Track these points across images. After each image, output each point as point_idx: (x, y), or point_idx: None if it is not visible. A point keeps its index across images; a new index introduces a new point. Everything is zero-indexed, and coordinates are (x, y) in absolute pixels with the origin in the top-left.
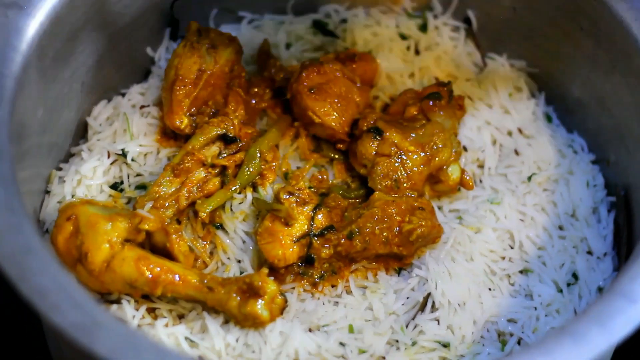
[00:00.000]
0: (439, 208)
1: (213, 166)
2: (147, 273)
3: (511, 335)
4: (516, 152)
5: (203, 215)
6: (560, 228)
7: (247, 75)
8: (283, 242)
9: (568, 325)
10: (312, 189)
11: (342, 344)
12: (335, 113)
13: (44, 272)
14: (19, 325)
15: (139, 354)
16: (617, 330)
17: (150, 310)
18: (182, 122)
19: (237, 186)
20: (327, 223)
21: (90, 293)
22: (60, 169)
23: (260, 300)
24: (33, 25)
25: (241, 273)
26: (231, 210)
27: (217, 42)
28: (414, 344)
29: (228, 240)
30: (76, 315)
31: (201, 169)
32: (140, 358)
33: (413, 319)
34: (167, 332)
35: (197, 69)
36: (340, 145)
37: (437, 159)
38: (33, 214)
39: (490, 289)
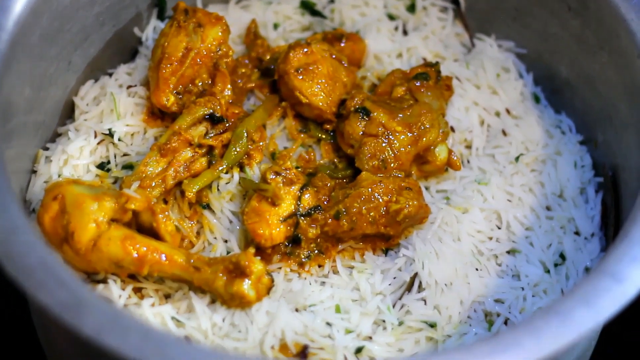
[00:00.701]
0: (426, 188)
1: (200, 146)
2: (134, 252)
3: (498, 315)
4: (504, 133)
5: (190, 195)
6: (548, 209)
7: (235, 55)
8: (270, 222)
9: (555, 304)
10: (299, 169)
11: (328, 324)
12: (322, 93)
13: (30, 251)
14: (5, 308)
15: (125, 333)
16: (604, 310)
17: (137, 290)
18: (169, 99)
19: (224, 166)
20: (314, 203)
21: (76, 273)
22: (46, 149)
23: (246, 280)
24: (20, 2)
25: (228, 253)
26: (218, 190)
27: (204, 21)
28: (400, 323)
29: (215, 220)
30: (62, 294)
31: (188, 148)
32: (126, 337)
33: (400, 299)
34: (154, 311)
35: (184, 47)
36: (328, 126)
37: (424, 139)
38: (19, 193)
39: (477, 269)
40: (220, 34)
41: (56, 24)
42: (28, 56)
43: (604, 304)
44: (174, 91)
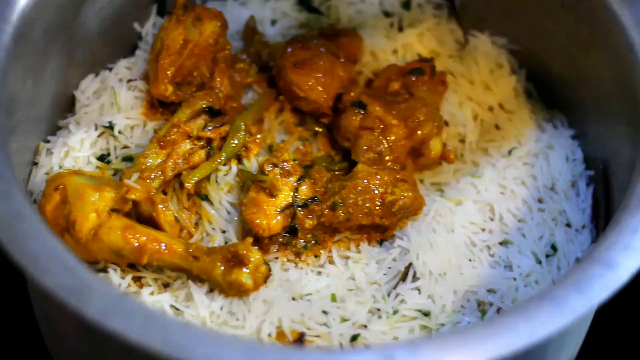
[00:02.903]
0: (421, 181)
1: (199, 138)
2: (134, 242)
3: (490, 304)
4: (497, 127)
5: (189, 186)
6: (540, 201)
7: (233, 51)
8: (267, 212)
9: (547, 291)
10: (296, 162)
11: (324, 312)
12: (319, 87)
13: (34, 236)
14: (5, 295)
15: (129, 316)
16: (595, 295)
17: (136, 279)
18: (168, 89)
19: (223, 158)
20: (311, 194)
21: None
22: (48, 141)
23: (244, 269)
24: None
25: (226, 243)
26: (216, 181)
27: (203, 15)
28: (395, 312)
29: (213, 211)
30: (66, 278)
31: (187, 141)
32: (130, 321)
33: (394, 288)
34: (153, 300)
35: (183, 39)
36: (324, 119)
37: (419, 132)
38: (21, 184)
39: (470, 260)
40: (218, 27)
41: (59, 19)
42: (31, 50)
43: (596, 290)
44: (173, 82)
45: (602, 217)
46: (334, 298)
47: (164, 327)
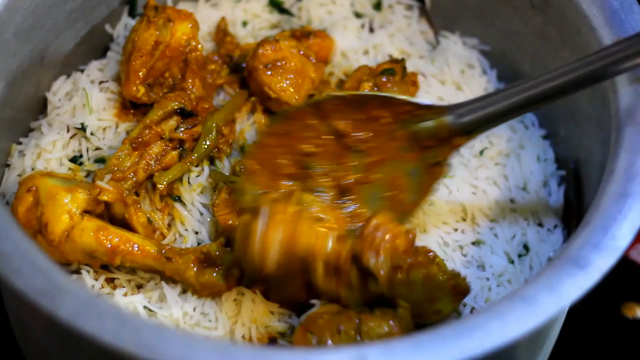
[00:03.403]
0: None
1: (171, 140)
2: (107, 243)
3: (464, 305)
4: None
5: (161, 187)
6: (512, 201)
7: (204, 52)
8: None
9: (519, 290)
10: None
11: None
12: (291, 88)
13: (6, 237)
14: None
15: (101, 318)
16: (567, 295)
17: (109, 281)
18: (139, 90)
19: (194, 159)
20: None
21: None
22: (20, 143)
23: (217, 270)
24: None
25: (199, 244)
26: (189, 182)
27: (174, 16)
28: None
29: (186, 212)
30: (38, 280)
31: (159, 142)
32: (102, 322)
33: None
34: (126, 301)
35: (154, 40)
36: None
37: None
38: None
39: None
40: (189, 28)
41: (30, 21)
42: (2, 53)
43: (567, 289)
44: (145, 83)
45: (574, 217)
46: None
47: (136, 328)
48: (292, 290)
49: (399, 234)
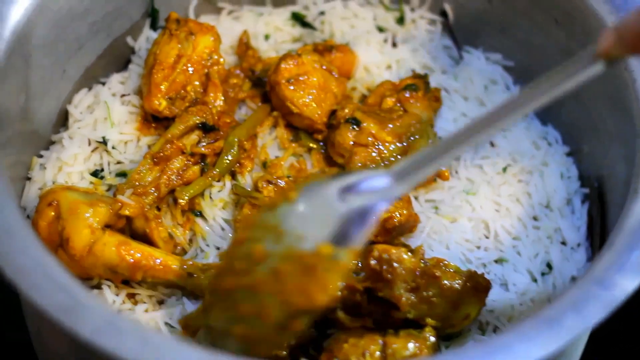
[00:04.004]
0: (415, 198)
1: (192, 154)
2: (129, 258)
3: (487, 324)
4: (492, 144)
5: (182, 202)
6: (535, 219)
7: (226, 66)
8: None
9: (543, 310)
10: (291, 178)
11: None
12: (313, 104)
13: (26, 252)
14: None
15: (123, 335)
16: (591, 316)
17: (130, 296)
18: (161, 104)
19: (216, 174)
20: None
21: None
22: (41, 156)
23: None
24: (17, 12)
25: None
26: (210, 198)
27: (195, 30)
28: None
29: (207, 227)
30: (59, 296)
31: (180, 157)
32: (123, 340)
33: None
34: (147, 317)
35: (176, 54)
36: (318, 135)
37: (413, 149)
38: (15, 200)
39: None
40: (211, 41)
41: (52, 34)
42: (24, 65)
43: (592, 310)
44: (166, 96)
45: (598, 234)
46: None
47: (158, 346)
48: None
49: (403, 259)
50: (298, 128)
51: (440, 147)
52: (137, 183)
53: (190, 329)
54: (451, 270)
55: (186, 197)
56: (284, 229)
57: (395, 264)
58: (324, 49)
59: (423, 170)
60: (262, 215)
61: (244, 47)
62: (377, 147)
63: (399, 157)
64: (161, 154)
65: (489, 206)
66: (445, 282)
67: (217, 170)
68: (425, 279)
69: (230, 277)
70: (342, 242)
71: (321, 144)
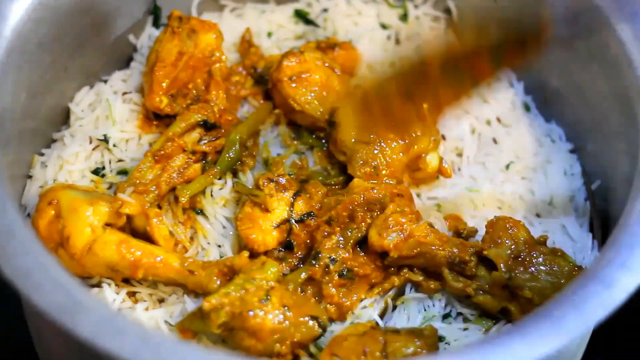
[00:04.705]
0: (418, 195)
1: (193, 152)
2: (129, 256)
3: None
4: (495, 141)
5: (183, 200)
6: (538, 216)
7: (229, 63)
8: (263, 227)
9: (544, 309)
10: (292, 176)
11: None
12: (315, 101)
13: (26, 253)
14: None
15: (122, 336)
16: (593, 314)
17: (131, 294)
18: (162, 101)
19: (217, 171)
20: (306, 209)
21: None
22: (42, 154)
23: None
24: (18, 11)
25: (221, 257)
26: (211, 195)
27: (198, 27)
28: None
29: (208, 226)
30: (58, 297)
31: (182, 155)
32: (122, 340)
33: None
34: (148, 315)
35: (177, 51)
36: (320, 133)
37: (415, 147)
38: (14, 198)
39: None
40: (213, 39)
41: (53, 32)
42: (25, 63)
43: (593, 309)
44: (168, 94)
45: (600, 232)
46: None
47: (157, 345)
48: None
49: (521, 226)
50: (300, 125)
51: None
52: (137, 181)
53: (189, 332)
54: (563, 256)
55: (187, 195)
56: None
57: (510, 231)
58: (327, 46)
59: None
60: None
61: (246, 44)
62: (379, 144)
63: (401, 154)
64: (162, 152)
65: (492, 204)
66: (554, 262)
67: (219, 168)
68: (536, 256)
69: None
70: None
71: (323, 141)
